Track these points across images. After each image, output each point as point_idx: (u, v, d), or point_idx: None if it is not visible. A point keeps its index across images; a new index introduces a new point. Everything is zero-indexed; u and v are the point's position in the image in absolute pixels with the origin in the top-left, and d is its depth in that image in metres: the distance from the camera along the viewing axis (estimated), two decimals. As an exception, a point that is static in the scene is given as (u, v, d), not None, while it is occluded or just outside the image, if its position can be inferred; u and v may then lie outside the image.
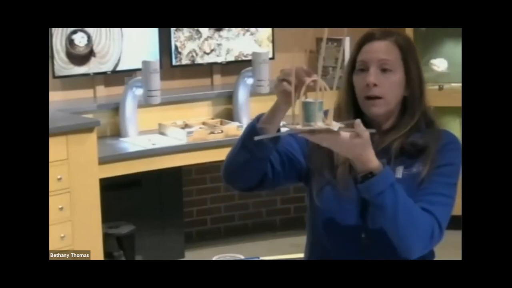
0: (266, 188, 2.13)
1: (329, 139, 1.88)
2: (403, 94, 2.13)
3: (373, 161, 1.94)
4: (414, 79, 2.12)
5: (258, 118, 2.02)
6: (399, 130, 2.11)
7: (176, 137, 4.43)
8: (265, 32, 5.12)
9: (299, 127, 1.85)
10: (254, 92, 4.69)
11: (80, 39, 4.53)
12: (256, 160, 2.04)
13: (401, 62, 2.11)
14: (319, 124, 1.84)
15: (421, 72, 2.16)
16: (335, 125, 1.86)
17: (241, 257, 4.47)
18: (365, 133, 1.91)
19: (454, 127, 4.59)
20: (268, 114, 2.00)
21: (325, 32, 1.90)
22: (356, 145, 1.90)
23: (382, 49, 2.11)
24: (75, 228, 3.94)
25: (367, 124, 2.13)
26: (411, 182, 2.03)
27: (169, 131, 4.51)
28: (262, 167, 2.07)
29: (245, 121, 4.68)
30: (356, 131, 1.89)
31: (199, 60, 4.97)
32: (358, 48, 2.14)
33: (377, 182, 1.94)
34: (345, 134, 1.88)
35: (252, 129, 2.01)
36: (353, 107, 2.12)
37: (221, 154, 4.45)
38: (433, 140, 2.10)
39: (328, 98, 1.87)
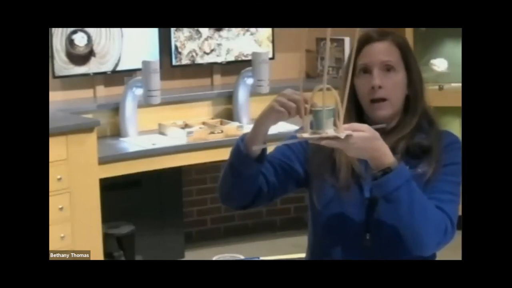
0: (264, 202, 2.14)
1: (340, 145, 1.88)
2: (405, 93, 2.13)
3: (389, 156, 1.95)
4: (415, 77, 2.14)
5: (242, 138, 2.03)
6: (402, 129, 2.11)
7: (176, 137, 4.43)
8: (265, 32, 5.12)
9: (306, 135, 1.86)
10: (254, 92, 4.69)
11: (80, 39, 4.53)
12: (247, 178, 2.05)
13: (401, 61, 2.12)
14: (328, 131, 1.85)
15: (420, 69, 2.17)
16: (343, 132, 1.86)
17: (241, 257, 4.47)
18: (374, 132, 1.92)
19: (454, 127, 4.59)
20: (251, 132, 2.01)
21: (328, 33, 1.89)
22: (368, 148, 1.91)
23: (383, 50, 2.11)
24: (75, 228, 3.94)
25: (371, 125, 2.13)
26: (416, 183, 2.01)
27: (169, 131, 4.51)
28: (254, 184, 2.08)
29: (245, 121, 4.68)
30: (365, 132, 1.89)
31: (199, 60, 4.97)
32: (357, 51, 2.14)
33: (394, 177, 1.94)
34: (356, 138, 1.88)
35: (238, 151, 2.02)
36: (354, 109, 2.12)
37: (221, 154, 4.47)
38: (436, 140, 2.10)
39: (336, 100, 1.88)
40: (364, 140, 1.89)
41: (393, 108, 2.11)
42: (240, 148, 2.01)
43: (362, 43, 2.13)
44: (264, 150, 2.03)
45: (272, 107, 1.94)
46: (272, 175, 2.11)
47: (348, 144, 1.88)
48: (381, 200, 1.99)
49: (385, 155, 1.94)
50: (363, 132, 1.90)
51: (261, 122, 1.98)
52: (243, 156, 2.01)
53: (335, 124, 1.86)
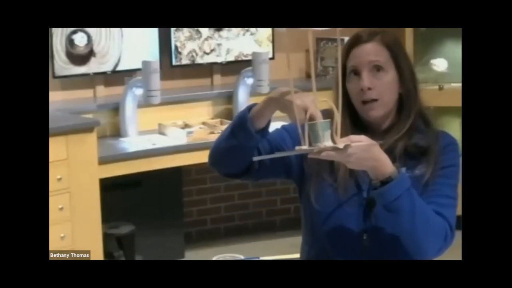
0: (251, 177, 2.13)
1: (340, 157, 1.88)
2: (398, 92, 2.13)
3: (389, 165, 1.94)
4: (406, 75, 2.13)
5: (249, 108, 2.02)
6: (397, 129, 2.11)
7: (176, 137, 4.43)
8: (265, 32, 5.12)
9: (304, 147, 1.86)
10: (254, 92, 4.69)
11: (80, 39, 4.53)
12: (243, 148, 2.03)
13: (391, 61, 2.12)
14: (325, 143, 1.84)
15: (412, 67, 2.16)
16: (342, 143, 1.85)
17: (241, 257, 4.46)
18: (373, 142, 1.92)
19: (454, 127, 4.59)
20: (260, 107, 1.99)
21: (310, 34, 1.88)
22: (368, 158, 1.90)
23: (371, 51, 2.10)
24: (75, 228, 3.94)
25: (365, 127, 2.13)
26: (414, 184, 2.02)
27: (169, 131, 4.51)
28: (248, 156, 2.04)
29: (245, 121, 4.68)
30: (364, 144, 1.89)
31: (199, 60, 4.97)
32: (346, 53, 2.14)
33: (395, 186, 1.93)
34: (355, 148, 1.87)
35: (243, 119, 2.00)
36: (347, 111, 2.12)
37: (221, 154, 4.47)
38: (433, 141, 2.10)
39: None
40: (363, 149, 1.89)
41: (385, 108, 2.11)
42: (246, 117, 2.00)
43: (351, 45, 2.13)
44: (267, 124, 2.02)
45: (291, 104, 1.88)
46: (267, 154, 2.09)
47: (348, 155, 1.86)
48: (382, 209, 1.98)
49: (385, 164, 1.94)
50: (361, 142, 1.89)
51: (275, 105, 1.95)
52: (246, 126, 1.99)
53: (332, 137, 1.86)
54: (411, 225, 1.95)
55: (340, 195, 2.09)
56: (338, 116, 1.86)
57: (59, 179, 3.85)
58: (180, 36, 4.89)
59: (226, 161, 2.10)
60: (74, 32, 4.50)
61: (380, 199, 1.96)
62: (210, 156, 2.12)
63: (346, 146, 1.85)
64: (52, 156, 3.41)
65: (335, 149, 1.84)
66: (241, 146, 2.02)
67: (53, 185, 3.68)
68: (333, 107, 1.88)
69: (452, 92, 4.91)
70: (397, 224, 1.97)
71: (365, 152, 1.89)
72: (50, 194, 3.51)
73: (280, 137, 2.14)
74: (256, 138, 2.01)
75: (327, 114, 1.89)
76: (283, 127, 2.19)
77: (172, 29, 4.84)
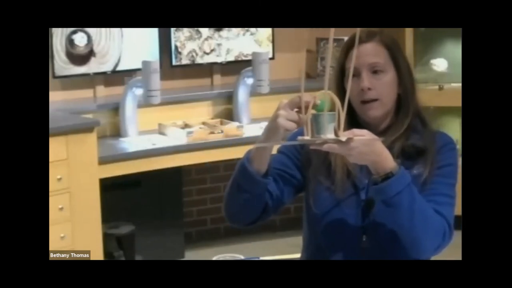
0: (270, 215, 2.13)
1: (342, 150, 1.87)
2: (397, 92, 2.13)
3: (390, 161, 1.94)
4: (405, 75, 2.13)
5: (247, 158, 2.02)
6: (396, 129, 2.11)
7: (176, 137, 4.43)
8: (265, 32, 5.12)
9: (307, 138, 1.85)
10: (254, 92, 4.70)
11: (80, 39, 4.53)
12: (255, 196, 2.05)
13: (390, 61, 2.12)
14: (328, 135, 1.84)
15: (410, 67, 2.16)
16: (344, 136, 1.85)
17: (241, 257, 4.46)
18: (375, 136, 1.92)
19: (454, 127, 4.60)
20: (258, 152, 2.00)
21: (331, 32, 1.88)
22: (370, 152, 1.90)
23: (370, 51, 2.10)
24: (75, 228, 3.94)
25: (363, 127, 2.13)
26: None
27: (169, 131, 4.51)
28: (262, 200, 2.07)
29: (245, 121, 4.68)
30: (366, 138, 1.89)
31: (199, 60, 4.97)
32: (345, 53, 2.13)
33: (395, 182, 1.93)
34: (357, 142, 1.87)
35: (244, 171, 2.01)
36: (346, 112, 2.11)
37: (221, 154, 4.48)
38: (431, 142, 2.10)
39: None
40: (365, 144, 1.89)
41: (385, 108, 2.11)
42: (248, 168, 2.00)
43: (350, 46, 2.12)
44: (268, 165, 2.02)
45: (277, 125, 1.91)
46: (274, 187, 2.10)
47: (350, 148, 1.86)
48: (381, 205, 1.98)
49: (387, 159, 1.94)
50: (364, 136, 1.89)
51: (269, 140, 1.96)
52: (251, 176, 2.00)
53: (335, 130, 1.86)
54: (410, 222, 1.95)
55: (338, 196, 2.09)
56: (341, 110, 1.86)
57: (59, 179, 3.85)
58: (180, 36, 4.89)
59: (245, 214, 2.11)
60: (74, 32, 4.50)
61: (380, 194, 1.96)
62: (227, 214, 2.13)
63: (349, 140, 1.85)
64: (52, 156, 3.41)
65: (337, 141, 1.84)
66: (254, 195, 2.04)
67: (53, 185, 3.68)
68: (335, 99, 1.87)
69: (452, 92, 4.90)
70: (396, 220, 1.97)
71: (367, 147, 1.89)
72: (50, 194, 3.51)
73: (280, 163, 2.14)
74: (264, 182, 2.02)
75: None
76: (277, 151, 2.19)
77: (172, 29, 4.84)
